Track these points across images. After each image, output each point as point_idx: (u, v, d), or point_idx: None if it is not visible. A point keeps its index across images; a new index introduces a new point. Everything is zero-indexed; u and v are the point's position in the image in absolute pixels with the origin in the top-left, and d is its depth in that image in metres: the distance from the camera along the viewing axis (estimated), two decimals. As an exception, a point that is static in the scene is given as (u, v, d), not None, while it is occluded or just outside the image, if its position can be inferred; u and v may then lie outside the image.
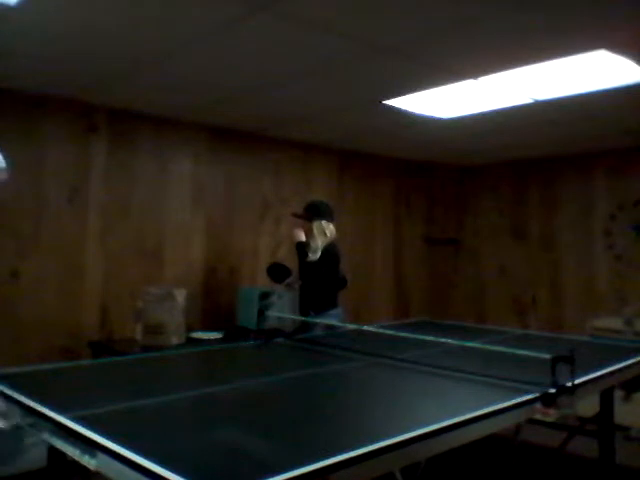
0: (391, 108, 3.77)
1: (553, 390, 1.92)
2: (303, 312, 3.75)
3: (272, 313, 3.79)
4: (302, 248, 3.79)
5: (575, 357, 1.99)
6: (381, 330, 3.15)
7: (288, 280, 4.15)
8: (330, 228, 3.79)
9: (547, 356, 2.02)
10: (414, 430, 1.50)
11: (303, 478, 1.20)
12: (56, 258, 3.70)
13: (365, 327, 3.32)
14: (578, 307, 5.22)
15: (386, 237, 5.73)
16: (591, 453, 3.15)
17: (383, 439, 1.42)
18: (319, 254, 3.69)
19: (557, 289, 5.41)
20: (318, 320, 3.58)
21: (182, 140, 4.30)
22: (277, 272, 4.10)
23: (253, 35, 2.56)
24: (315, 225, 3.76)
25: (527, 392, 1.94)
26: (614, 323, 4.52)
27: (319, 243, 3.72)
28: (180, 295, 3.68)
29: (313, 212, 3.82)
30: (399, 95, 3.50)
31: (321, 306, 3.71)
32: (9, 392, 1.80)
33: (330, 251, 3.73)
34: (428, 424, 1.55)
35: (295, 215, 3.98)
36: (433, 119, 4.06)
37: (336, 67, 3.00)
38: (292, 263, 4.05)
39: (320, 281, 3.72)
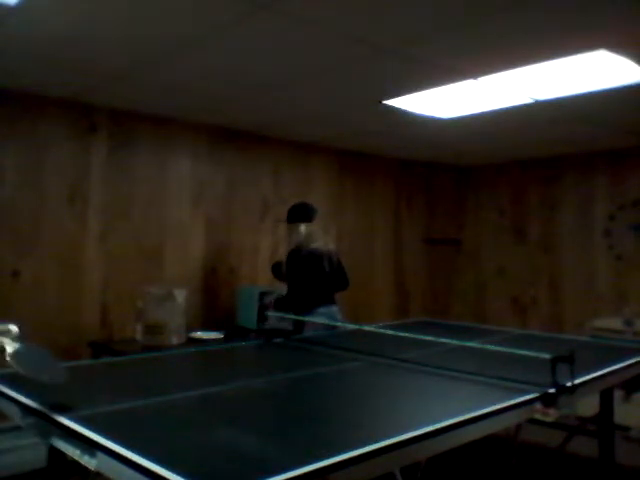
0: (391, 108, 3.78)
1: (553, 390, 1.92)
2: (294, 312, 3.74)
3: (272, 313, 3.79)
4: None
5: (575, 357, 1.99)
6: (381, 330, 3.15)
7: None
8: (300, 229, 3.81)
9: (547, 356, 2.02)
10: (414, 430, 1.50)
11: (303, 478, 1.20)
12: (56, 258, 3.70)
13: (365, 327, 3.32)
14: (578, 307, 5.22)
15: (386, 237, 5.73)
16: (591, 453, 3.15)
17: (383, 439, 1.42)
18: (284, 256, 3.85)
19: (557, 289, 5.41)
20: (309, 319, 3.56)
21: (182, 140, 4.31)
22: (280, 270, 4.13)
23: (253, 35, 2.56)
24: (287, 227, 3.93)
25: (527, 392, 1.94)
26: (614, 323, 4.52)
27: (288, 245, 3.87)
28: (180, 295, 3.68)
29: (288, 216, 3.91)
30: (399, 95, 3.50)
31: (306, 305, 3.67)
32: (9, 392, 1.80)
33: (304, 250, 3.73)
34: (428, 424, 1.55)
35: (278, 221, 4.18)
36: (433, 119, 4.06)
37: (336, 67, 3.00)
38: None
39: (295, 281, 3.73)
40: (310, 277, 3.71)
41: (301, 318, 3.54)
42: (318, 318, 3.57)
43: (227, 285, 4.52)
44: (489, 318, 5.84)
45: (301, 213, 3.87)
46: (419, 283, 6.04)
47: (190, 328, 3.91)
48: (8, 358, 1.68)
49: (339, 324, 3.54)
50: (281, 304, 3.86)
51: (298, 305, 3.68)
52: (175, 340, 3.61)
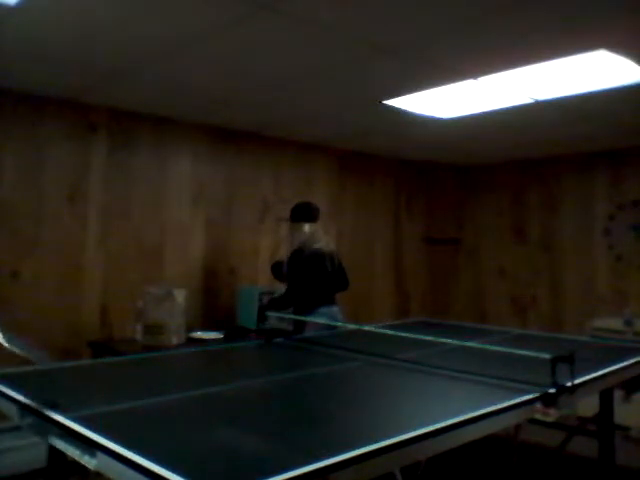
0: (391, 108, 3.78)
1: (553, 390, 1.92)
2: (295, 312, 3.74)
3: (272, 313, 3.79)
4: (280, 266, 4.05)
5: (575, 357, 1.99)
6: (381, 330, 3.15)
7: None
8: (304, 229, 3.79)
9: (547, 356, 2.02)
10: (414, 430, 1.50)
11: (303, 478, 1.20)
12: (56, 258, 3.70)
13: (365, 327, 3.32)
14: (578, 307, 5.22)
15: (386, 237, 5.73)
16: (591, 453, 3.15)
17: (383, 439, 1.42)
18: (286, 256, 3.83)
19: (557, 289, 5.41)
20: (310, 319, 3.56)
21: (182, 140, 4.31)
22: (280, 270, 4.16)
23: (253, 35, 2.56)
24: (289, 227, 3.91)
25: (527, 392, 1.94)
26: (614, 323, 4.52)
27: (290, 244, 3.85)
28: (180, 295, 3.68)
29: (292, 215, 3.88)
30: (399, 95, 3.50)
31: (308, 305, 3.67)
32: (9, 392, 1.81)
33: (307, 250, 3.71)
34: (428, 424, 1.55)
35: (280, 219, 4.14)
36: (433, 119, 4.06)
37: (336, 67, 3.00)
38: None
39: (297, 280, 3.70)
40: (313, 277, 3.69)
41: (302, 318, 3.54)
42: (319, 318, 3.57)
43: (227, 285, 4.52)
44: (489, 318, 5.84)
45: (305, 212, 3.85)
46: (419, 283, 6.04)
47: (190, 328, 3.91)
48: (5, 343, 1.70)
49: (339, 324, 3.54)
50: (276, 304, 3.85)
51: (300, 305, 3.68)
52: (175, 340, 3.61)
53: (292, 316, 3.59)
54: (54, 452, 2.07)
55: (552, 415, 1.87)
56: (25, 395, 1.74)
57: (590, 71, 2.95)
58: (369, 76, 3.14)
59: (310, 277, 3.69)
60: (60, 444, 1.49)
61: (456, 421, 1.61)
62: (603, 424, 2.95)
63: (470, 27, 2.43)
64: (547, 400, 1.89)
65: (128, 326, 3.90)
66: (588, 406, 2.96)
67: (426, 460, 2.91)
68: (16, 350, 1.70)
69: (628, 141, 4.77)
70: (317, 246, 3.76)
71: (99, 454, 1.34)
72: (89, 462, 1.36)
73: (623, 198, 5.03)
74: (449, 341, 2.64)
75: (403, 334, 2.87)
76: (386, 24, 2.42)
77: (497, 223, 5.93)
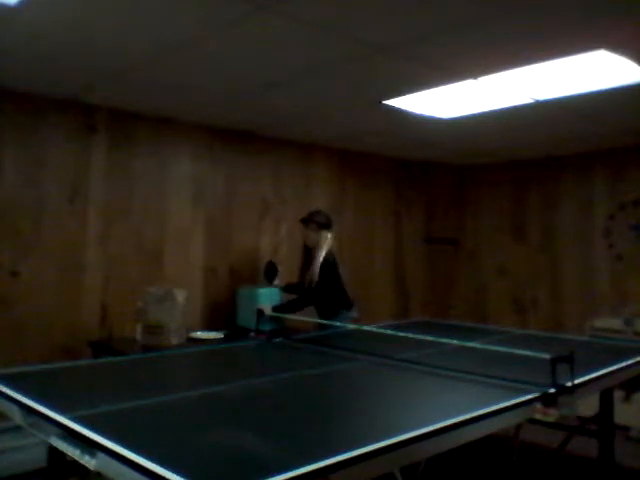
0: (391, 108, 3.78)
1: (553, 390, 1.92)
2: (322, 317, 3.88)
3: (272, 313, 3.80)
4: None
5: (575, 357, 1.99)
6: (381, 330, 3.16)
7: (275, 282, 4.24)
8: (328, 236, 3.95)
9: (547, 356, 2.02)
10: (414, 430, 1.50)
11: (303, 478, 1.20)
12: (56, 258, 3.70)
13: (365, 327, 3.32)
14: (578, 307, 5.22)
15: (386, 237, 5.73)
16: (591, 453, 3.15)
17: (383, 439, 1.42)
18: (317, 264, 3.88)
19: (557, 289, 5.41)
20: (333, 322, 3.63)
21: (182, 140, 4.30)
22: (269, 271, 4.23)
23: (253, 35, 2.56)
24: (322, 235, 3.94)
25: (527, 392, 1.94)
26: (614, 323, 4.52)
27: (314, 250, 3.92)
28: (180, 295, 3.68)
29: (318, 222, 3.97)
30: (399, 95, 3.50)
31: (334, 310, 3.84)
32: (9, 392, 1.81)
33: (330, 259, 3.87)
34: (428, 424, 1.55)
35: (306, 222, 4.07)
36: (433, 119, 4.06)
37: (336, 67, 3.00)
38: (292, 263, 4.08)
39: (331, 288, 3.86)
40: (338, 283, 3.89)
41: (330, 322, 3.62)
42: (347, 320, 3.76)
43: (227, 285, 4.52)
44: (489, 318, 5.84)
45: (328, 221, 4.00)
46: (419, 283, 6.03)
47: (190, 328, 3.91)
48: None
49: (339, 324, 3.56)
50: (284, 310, 3.86)
51: (326, 311, 3.85)
52: (175, 340, 3.61)
53: (318, 320, 3.76)
54: (54, 452, 2.07)
55: (552, 415, 1.87)
56: (26, 396, 1.75)
57: (590, 71, 2.95)
58: (369, 76, 3.14)
59: (336, 283, 3.89)
60: (60, 444, 1.50)
61: (456, 421, 1.61)
62: (603, 424, 2.95)
63: (470, 27, 2.43)
64: (547, 400, 1.90)
65: (128, 326, 3.90)
66: (588, 406, 2.96)
67: (426, 460, 2.91)
68: None
69: (628, 140, 4.77)
70: (332, 253, 3.92)
71: (99, 454, 1.34)
72: (89, 462, 1.36)
73: (623, 198, 5.03)
74: (449, 341, 2.64)
75: (403, 334, 2.88)
76: (386, 24, 2.42)
77: (497, 223, 5.93)
